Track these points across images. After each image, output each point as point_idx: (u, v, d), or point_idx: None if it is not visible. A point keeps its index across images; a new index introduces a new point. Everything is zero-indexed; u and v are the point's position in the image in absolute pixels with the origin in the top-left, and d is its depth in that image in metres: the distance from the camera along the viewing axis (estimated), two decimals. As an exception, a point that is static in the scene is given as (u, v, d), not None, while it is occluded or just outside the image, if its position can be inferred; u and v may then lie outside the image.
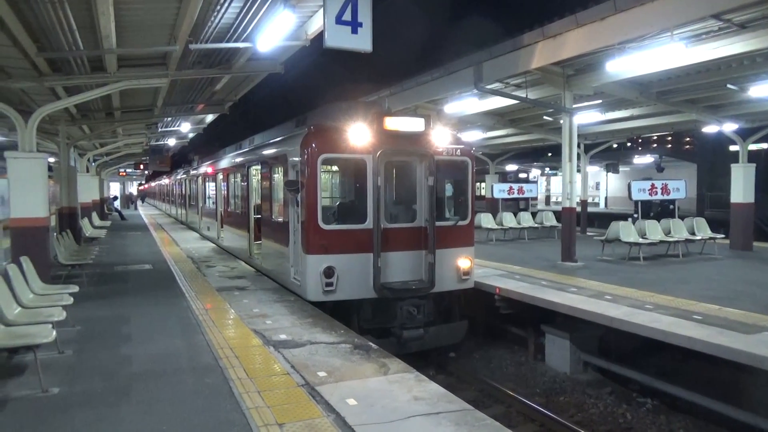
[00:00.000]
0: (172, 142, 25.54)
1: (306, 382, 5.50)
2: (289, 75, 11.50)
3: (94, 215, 23.16)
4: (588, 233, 20.87)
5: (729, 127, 16.22)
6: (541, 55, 11.16)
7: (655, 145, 38.20)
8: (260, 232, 12.33)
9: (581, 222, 20.97)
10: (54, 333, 5.70)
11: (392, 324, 8.99)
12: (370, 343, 6.88)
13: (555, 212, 20.28)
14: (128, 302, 9.28)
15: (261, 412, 4.81)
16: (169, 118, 18.26)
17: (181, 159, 35.67)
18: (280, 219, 10.42)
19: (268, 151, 11.66)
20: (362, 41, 6.91)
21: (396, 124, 8.97)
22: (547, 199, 46.42)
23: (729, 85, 12.63)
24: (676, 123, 17.76)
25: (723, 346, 6.65)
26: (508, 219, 19.79)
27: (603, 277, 11.30)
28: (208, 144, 29.63)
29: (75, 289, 7.86)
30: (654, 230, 14.42)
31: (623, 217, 18.37)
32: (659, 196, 15.29)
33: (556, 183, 43.90)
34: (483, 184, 31.17)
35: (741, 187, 16.31)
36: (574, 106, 13.43)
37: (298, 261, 9.20)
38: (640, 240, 13.86)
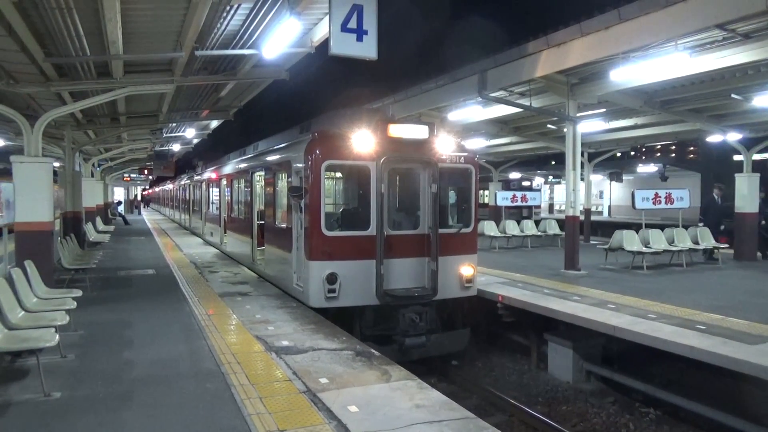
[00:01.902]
0: (176, 147, 25.70)
1: (308, 389, 5.50)
2: (294, 82, 11.54)
3: (98, 220, 23.25)
4: (591, 241, 20.83)
5: (733, 137, 16.19)
6: (545, 63, 11.19)
7: (659, 154, 38.23)
8: (263, 238, 12.35)
9: (584, 230, 20.93)
10: (57, 337, 5.71)
11: (394, 331, 8.97)
12: (373, 350, 6.87)
13: (558, 220, 20.24)
14: (131, 307, 9.30)
15: (262, 418, 4.80)
16: (174, 124, 18.34)
17: (185, 164, 35.82)
18: (283, 225, 10.44)
19: (272, 158, 11.69)
20: (367, 49, 6.94)
21: (400, 131, 9.00)
22: (551, 207, 46.34)
23: (733, 95, 12.62)
24: (680, 132, 17.76)
25: (727, 356, 6.61)
26: (511, 227, 19.77)
27: (606, 285, 11.26)
28: (212, 150, 29.73)
29: (78, 293, 7.89)
30: (657, 239, 14.39)
31: (627, 226, 18.32)
32: (663, 205, 15.25)
33: (560, 191, 43.84)
34: (486, 192, 31.19)
35: (745, 197, 16.26)
36: (578, 114, 13.45)
37: (301, 267, 9.21)
38: (644, 249, 13.82)
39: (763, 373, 6.22)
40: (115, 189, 50.17)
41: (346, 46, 6.83)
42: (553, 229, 20.37)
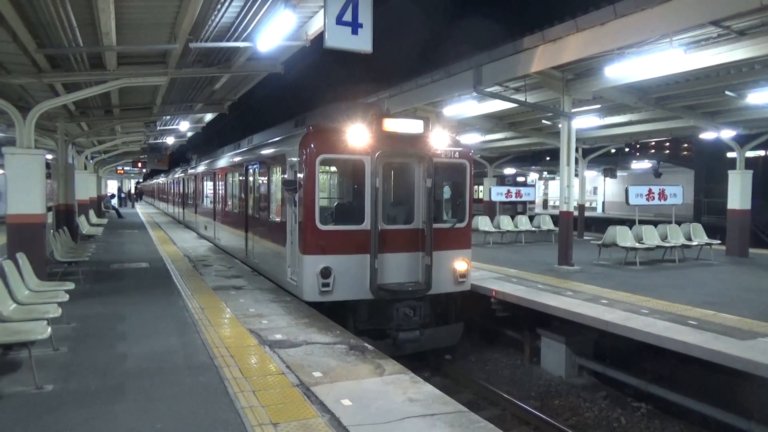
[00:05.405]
0: (170, 140, 25.52)
1: (301, 382, 5.50)
2: (289, 75, 11.50)
3: (92, 213, 23.13)
4: (585, 237, 20.91)
5: (727, 134, 16.27)
6: (540, 58, 11.18)
7: (653, 150, 38.30)
8: (257, 232, 12.32)
9: (578, 226, 21.00)
10: (49, 330, 5.68)
11: (388, 325, 8.99)
12: (366, 344, 6.88)
13: (552, 216, 20.30)
14: (124, 300, 9.26)
15: (255, 411, 4.80)
16: (168, 117, 18.24)
17: (179, 158, 35.64)
18: (278, 219, 10.42)
19: (267, 151, 11.65)
20: (362, 42, 6.91)
21: (395, 125, 8.98)
22: (545, 202, 46.51)
23: (727, 92, 12.66)
24: (675, 129, 17.81)
25: (718, 351, 6.66)
26: (506, 222, 19.81)
27: (599, 281, 11.31)
28: (206, 143, 29.61)
29: (71, 286, 7.84)
30: (651, 235, 14.46)
31: (621, 222, 18.39)
32: (656, 202, 15.32)
33: (554, 187, 43.98)
34: (481, 187, 31.21)
35: (738, 194, 16.35)
36: (573, 110, 13.46)
37: (295, 261, 9.20)
38: (637, 245, 13.88)
39: (754, 368, 6.27)
40: (109, 182, 49.91)
41: (341, 40, 6.79)
42: (547, 224, 20.42)
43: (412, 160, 9.35)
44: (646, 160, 36.08)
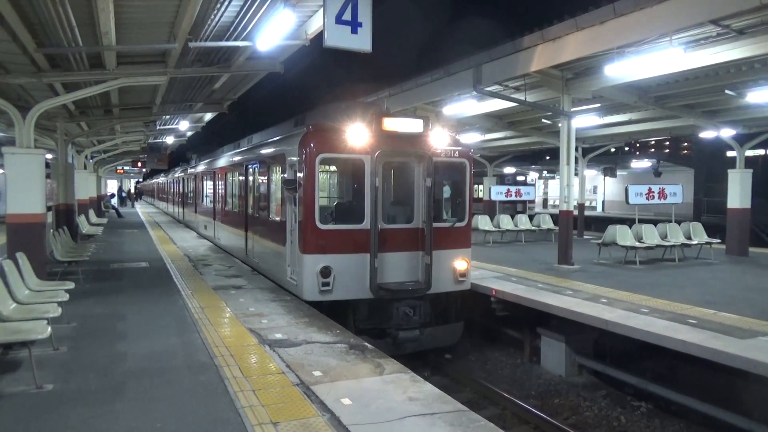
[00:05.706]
0: (170, 140, 25.53)
1: (301, 382, 5.50)
2: (289, 74, 11.51)
3: (91, 212, 23.13)
4: (585, 236, 20.91)
5: (726, 133, 16.28)
6: (540, 58, 11.19)
7: (652, 149, 38.30)
8: (257, 231, 12.32)
9: (578, 225, 21.00)
10: (49, 329, 5.68)
11: (388, 325, 9.00)
12: (366, 344, 6.88)
13: (552, 215, 20.30)
14: (124, 300, 9.26)
15: (255, 410, 4.81)
16: (168, 116, 18.24)
17: (179, 157, 35.65)
18: (278, 218, 10.42)
19: (267, 151, 11.65)
20: (362, 41, 6.92)
21: (395, 124, 8.98)
22: (545, 202, 46.53)
23: (727, 91, 12.66)
24: (674, 128, 17.82)
25: (718, 350, 6.66)
26: (506, 221, 19.81)
27: (599, 280, 11.32)
28: (206, 143, 29.59)
29: (71, 285, 7.85)
30: (650, 234, 14.46)
31: (620, 221, 18.39)
32: (656, 201, 15.33)
33: (554, 186, 43.98)
34: (481, 186, 31.23)
35: (738, 193, 16.35)
36: (573, 109, 13.47)
37: (295, 260, 9.20)
38: (637, 244, 13.88)
39: (754, 367, 6.28)
40: (109, 182, 49.93)
41: (340, 39, 6.80)
42: (547, 223, 20.43)
43: (411, 159, 9.35)
44: (646, 159, 36.09)
